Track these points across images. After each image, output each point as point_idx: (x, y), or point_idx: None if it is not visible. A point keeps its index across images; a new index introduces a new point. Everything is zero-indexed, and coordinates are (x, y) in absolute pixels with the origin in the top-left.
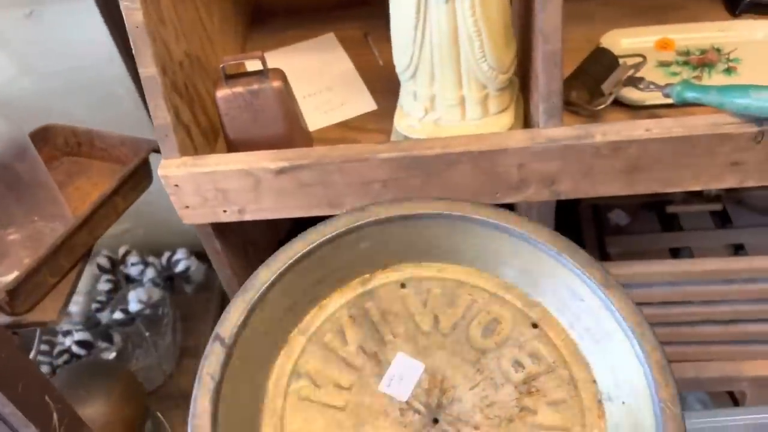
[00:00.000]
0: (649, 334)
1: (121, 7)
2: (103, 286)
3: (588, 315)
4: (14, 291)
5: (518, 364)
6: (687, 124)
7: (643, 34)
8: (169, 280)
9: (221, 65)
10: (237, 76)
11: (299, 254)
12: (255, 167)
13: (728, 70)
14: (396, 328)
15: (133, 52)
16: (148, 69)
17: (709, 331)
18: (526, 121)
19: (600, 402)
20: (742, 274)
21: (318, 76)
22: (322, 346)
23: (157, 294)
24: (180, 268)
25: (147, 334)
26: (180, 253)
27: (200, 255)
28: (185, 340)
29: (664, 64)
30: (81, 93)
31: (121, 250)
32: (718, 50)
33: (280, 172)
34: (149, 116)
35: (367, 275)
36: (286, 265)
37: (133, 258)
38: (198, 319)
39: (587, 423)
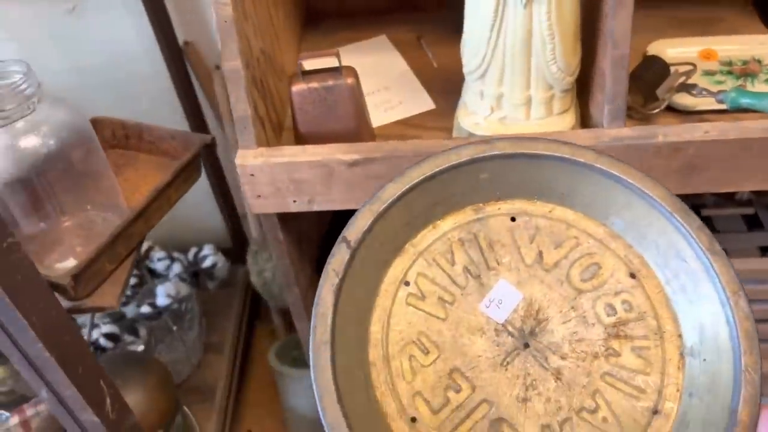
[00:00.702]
0: (744, 304)
1: (212, 2)
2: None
3: (687, 276)
4: (77, 276)
5: (611, 309)
6: (742, 127)
7: (687, 44)
8: (194, 275)
9: (299, 60)
10: (311, 72)
11: (425, 176)
12: (330, 159)
13: None
14: (501, 257)
15: (220, 45)
16: (232, 62)
17: None
18: (582, 121)
19: (682, 355)
20: None
21: (375, 76)
22: (432, 262)
23: (185, 289)
24: (207, 263)
25: (174, 328)
26: (207, 249)
27: (226, 251)
28: (208, 335)
29: (708, 73)
30: (118, 87)
31: (145, 245)
32: (759, 61)
33: (353, 164)
34: (184, 110)
35: (481, 204)
36: (412, 183)
37: (158, 253)
38: (221, 315)
39: (667, 372)
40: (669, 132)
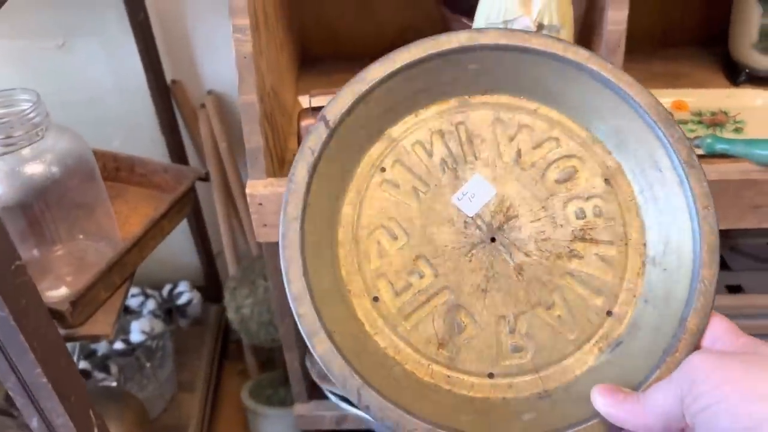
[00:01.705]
0: (712, 219)
1: (232, 38)
2: None
3: (661, 186)
4: (74, 303)
5: (581, 212)
6: (720, 170)
7: (660, 95)
8: (167, 312)
9: (309, 96)
10: (320, 108)
11: (412, 60)
12: None
13: (736, 130)
14: (480, 152)
15: (237, 79)
16: (249, 96)
17: None
18: None
19: (644, 263)
20: (743, 310)
21: None
22: (410, 150)
23: (159, 326)
24: (182, 300)
25: (148, 365)
26: (182, 286)
27: (200, 289)
28: (179, 373)
29: (681, 122)
30: (103, 121)
31: None
32: (726, 113)
33: None
34: (167, 146)
35: (467, 96)
36: (398, 66)
37: (132, 289)
38: (192, 353)
39: (626, 277)
40: None
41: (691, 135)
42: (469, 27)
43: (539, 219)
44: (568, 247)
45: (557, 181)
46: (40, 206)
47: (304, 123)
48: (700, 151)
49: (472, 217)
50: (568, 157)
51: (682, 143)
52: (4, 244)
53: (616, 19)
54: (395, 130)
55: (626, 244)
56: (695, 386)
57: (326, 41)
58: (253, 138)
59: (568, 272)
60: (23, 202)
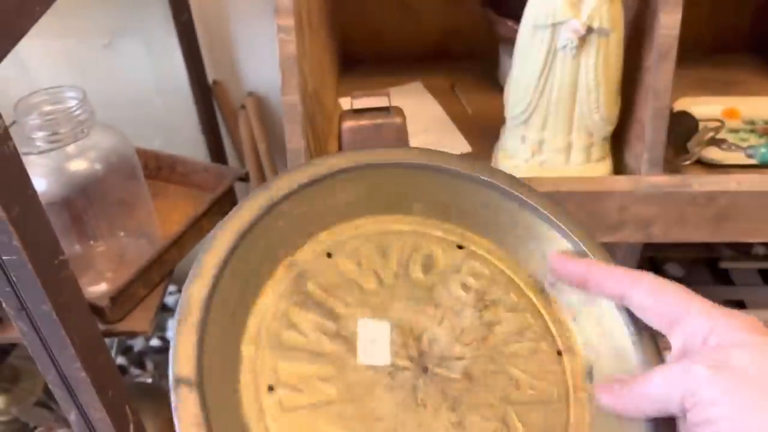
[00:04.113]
0: (565, 218)
1: (277, 39)
2: None
3: (503, 216)
4: (114, 299)
5: (465, 286)
6: None
7: (711, 102)
8: None
9: (351, 98)
10: (362, 110)
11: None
12: None
13: None
14: (344, 298)
15: (281, 80)
16: (291, 97)
17: None
18: (616, 170)
19: (543, 290)
20: None
21: (412, 119)
22: (280, 346)
23: None
24: None
25: None
26: None
27: None
28: None
29: (732, 131)
30: (145, 120)
31: None
32: None
33: None
34: (207, 147)
35: (290, 257)
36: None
37: (170, 287)
38: None
39: (543, 312)
40: (704, 181)
41: (744, 144)
42: (515, 30)
43: (441, 319)
44: (482, 324)
45: (425, 274)
46: (83, 202)
47: (346, 125)
48: (753, 161)
49: (391, 365)
50: (415, 248)
51: (493, 174)
52: (49, 239)
53: (668, 23)
54: (249, 338)
55: (518, 287)
56: (699, 403)
57: (367, 42)
58: (295, 139)
59: (501, 343)
60: (67, 198)
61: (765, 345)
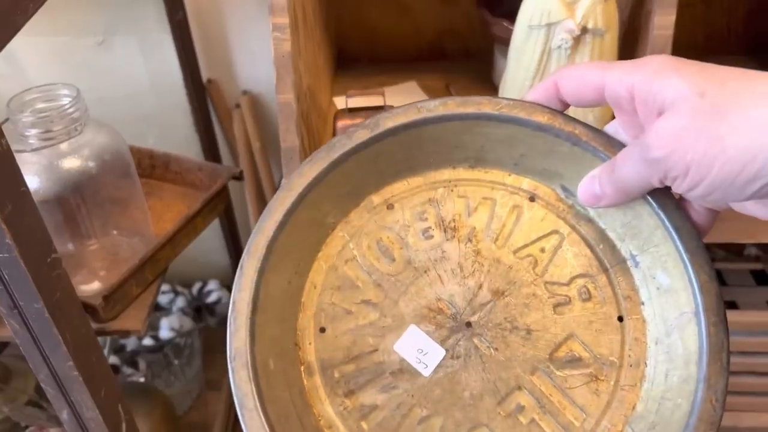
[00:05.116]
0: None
1: (271, 37)
2: None
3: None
4: (107, 297)
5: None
6: None
7: None
8: (196, 310)
9: (345, 97)
10: (357, 109)
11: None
12: None
13: None
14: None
15: (276, 78)
16: (286, 95)
17: (748, 382)
18: None
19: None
20: (738, 326)
21: None
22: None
23: (188, 323)
24: (212, 298)
25: (176, 362)
26: (212, 284)
27: (229, 287)
28: (206, 372)
29: None
30: (139, 118)
31: None
32: None
33: None
34: (201, 145)
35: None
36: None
37: (162, 286)
38: (220, 352)
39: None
40: None
41: None
42: (510, 30)
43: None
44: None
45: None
46: (76, 200)
47: (340, 123)
48: None
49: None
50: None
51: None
52: (41, 237)
53: (663, 23)
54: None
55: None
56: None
57: (363, 42)
58: (289, 137)
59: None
60: (60, 196)
61: (694, 99)
